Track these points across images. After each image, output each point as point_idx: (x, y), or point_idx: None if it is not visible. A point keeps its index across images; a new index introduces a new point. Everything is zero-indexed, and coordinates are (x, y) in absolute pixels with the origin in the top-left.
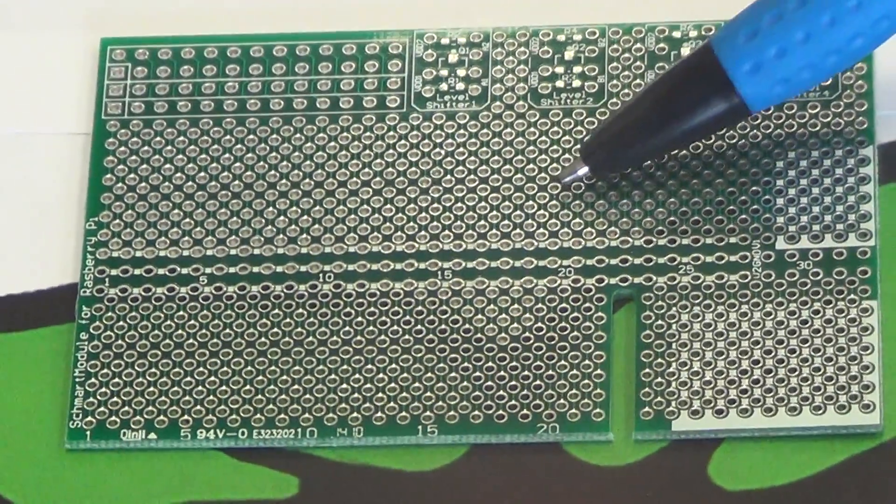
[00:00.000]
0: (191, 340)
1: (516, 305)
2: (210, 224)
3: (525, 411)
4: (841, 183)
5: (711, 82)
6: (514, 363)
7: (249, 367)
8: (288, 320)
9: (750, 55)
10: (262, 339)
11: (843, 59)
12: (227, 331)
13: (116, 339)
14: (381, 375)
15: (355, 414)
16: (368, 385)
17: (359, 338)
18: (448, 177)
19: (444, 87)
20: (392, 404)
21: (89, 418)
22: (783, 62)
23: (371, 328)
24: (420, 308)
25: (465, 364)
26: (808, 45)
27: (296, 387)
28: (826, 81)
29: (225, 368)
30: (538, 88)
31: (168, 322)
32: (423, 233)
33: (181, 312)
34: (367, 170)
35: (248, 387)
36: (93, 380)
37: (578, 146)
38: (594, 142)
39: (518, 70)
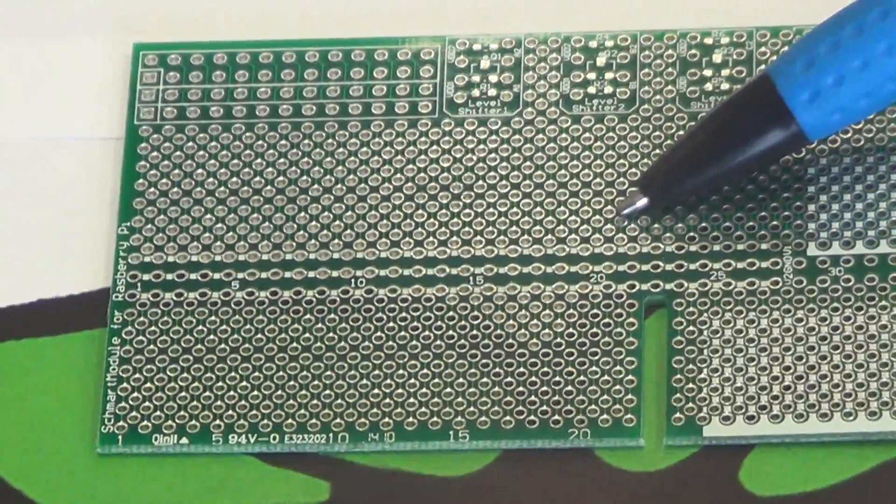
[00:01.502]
0: (222, 345)
1: (548, 311)
2: (242, 229)
3: (556, 417)
4: (872, 189)
5: (770, 112)
6: (545, 369)
7: (281, 372)
8: (320, 325)
9: (808, 84)
10: (294, 344)
11: None
12: (259, 336)
13: (148, 344)
14: (412, 380)
15: (387, 419)
16: (400, 390)
17: (390, 343)
18: (480, 182)
19: (476, 92)
20: (423, 409)
21: (121, 423)
22: (841, 90)
23: (403, 333)
24: (452, 313)
25: (497, 369)
26: (865, 72)
27: (327, 392)
28: (883, 109)
29: (256, 373)
30: (570, 94)
31: (200, 327)
32: (454, 238)
33: (213, 317)
34: (399, 175)
35: (279, 392)
36: (125, 385)
37: (638, 178)
38: (653, 174)
39: (550, 76)
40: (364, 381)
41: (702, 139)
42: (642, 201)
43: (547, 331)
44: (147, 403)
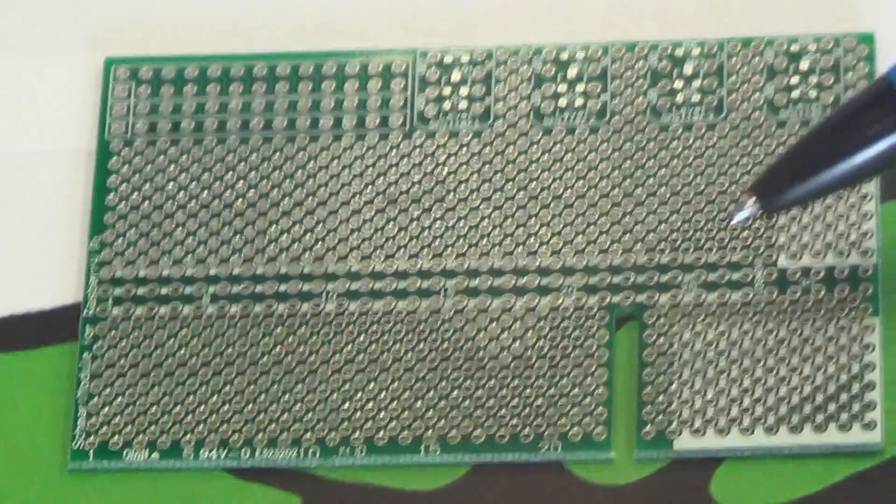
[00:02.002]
0: (194, 360)
1: (519, 324)
2: (213, 243)
3: (527, 430)
4: (843, 200)
5: (890, 115)
6: (516, 382)
7: (252, 387)
8: (291, 339)
9: None
10: (265, 359)
11: None
12: (230, 350)
13: (119, 359)
14: (383, 394)
15: (357, 433)
16: (370, 404)
17: (361, 356)
18: (451, 195)
19: (447, 105)
20: (394, 423)
21: (92, 438)
22: None
23: (374, 347)
24: (423, 326)
25: (468, 383)
26: None
27: (298, 406)
28: None
29: (228, 388)
30: (541, 106)
31: (171, 341)
32: (425, 251)
33: (184, 331)
34: (370, 188)
35: (250, 406)
36: (96, 400)
37: (749, 182)
38: (768, 178)
39: (521, 88)
40: (335, 395)
41: (819, 144)
42: (756, 207)
43: (517, 343)
44: (118, 419)
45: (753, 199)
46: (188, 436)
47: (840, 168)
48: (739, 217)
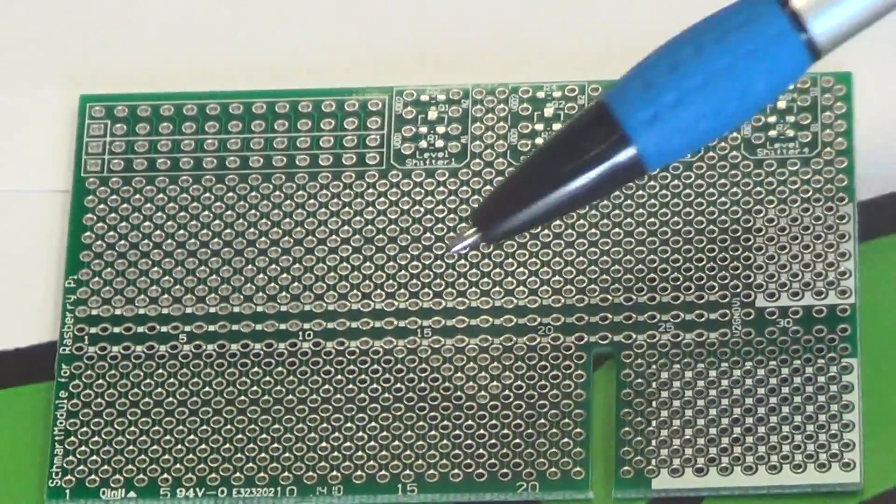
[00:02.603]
0: (170, 399)
1: (496, 363)
2: (189, 282)
3: (505, 469)
4: (821, 240)
5: (605, 138)
6: (493, 421)
7: (229, 426)
8: (268, 378)
9: (646, 105)
10: (242, 398)
11: (744, 107)
12: (207, 389)
13: (96, 398)
14: (360, 434)
15: (335, 472)
16: (348, 443)
17: (338, 396)
18: (428, 234)
19: (423, 144)
20: (372, 463)
21: (69, 477)
22: (682, 112)
23: (351, 386)
24: (400, 366)
25: (445, 422)
26: (707, 91)
27: (275, 445)
28: (726, 134)
29: (204, 427)
30: (518, 145)
31: (148, 380)
32: (402, 290)
33: (161, 371)
34: (346, 227)
35: (227, 445)
36: (72, 438)
37: (470, 212)
38: (486, 208)
39: (498, 127)
40: (312, 434)
41: (534, 171)
42: (474, 237)
43: (495, 383)
44: (94, 457)
45: (473, 229)
46: (165, 474)
47: (556, 195)
48: (458, 248)
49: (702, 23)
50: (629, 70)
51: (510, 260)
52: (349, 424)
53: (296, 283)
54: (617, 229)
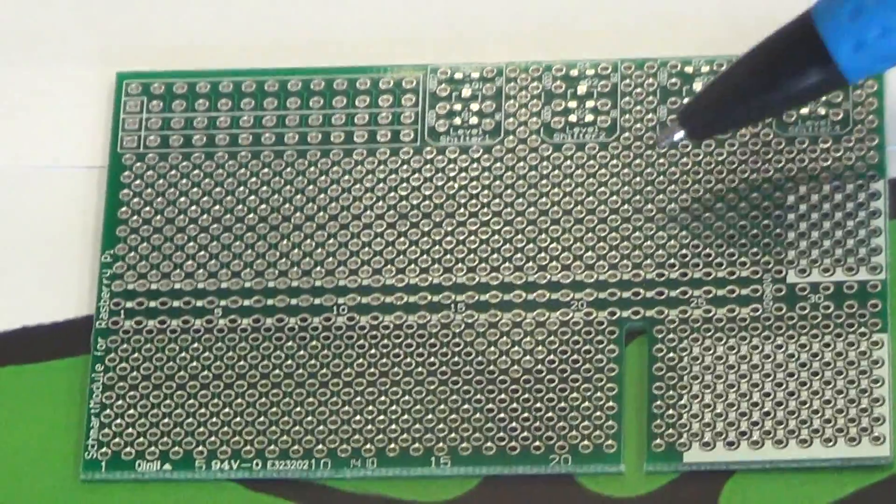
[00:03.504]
0: (205, 372)
1: (529, 338)
2: (225, 257)
3: (537, 443)
4: (852, 217)
5: (811, 54)
6: (526, 395)
7: (264, 399)
8: (302, 352)
9: (853, 34)
10: (277, 371)
11: None
12: (242, 363)
13: (131, 371)
14: (394, 407)
15: (369, 445)
16: (382, 417)
17: (372, 370)
18: (461, 210)
19: (457, 121)
20: (405, 436)
21: (104, 449)
22: (885, 41)
23: (384, 360)
24: (433, 340)
25: (478, 396)
26: None
27: (309, 418)
28: None
29: (239, 400)
30: (551, 123)
31: (183, 354)
32: (436, 266)
33: (196, 344)
34: (380, 203)
35: (262, 418)
36: (108, 411)
37: (675, 111)
38: (692, 107)
39: (531, 104)
40: (346, 408)
41: (740, 75)
42: (679, 134)
43: (528, 357)
44: (130, 430)
45: (679, 126)
46: (200, 447)
47: (760, 101)
48: (664, 142)
49: None
50: None
51: (543, 235)
52: (383, 398)
53: (330, 259)
54: (649, 205)
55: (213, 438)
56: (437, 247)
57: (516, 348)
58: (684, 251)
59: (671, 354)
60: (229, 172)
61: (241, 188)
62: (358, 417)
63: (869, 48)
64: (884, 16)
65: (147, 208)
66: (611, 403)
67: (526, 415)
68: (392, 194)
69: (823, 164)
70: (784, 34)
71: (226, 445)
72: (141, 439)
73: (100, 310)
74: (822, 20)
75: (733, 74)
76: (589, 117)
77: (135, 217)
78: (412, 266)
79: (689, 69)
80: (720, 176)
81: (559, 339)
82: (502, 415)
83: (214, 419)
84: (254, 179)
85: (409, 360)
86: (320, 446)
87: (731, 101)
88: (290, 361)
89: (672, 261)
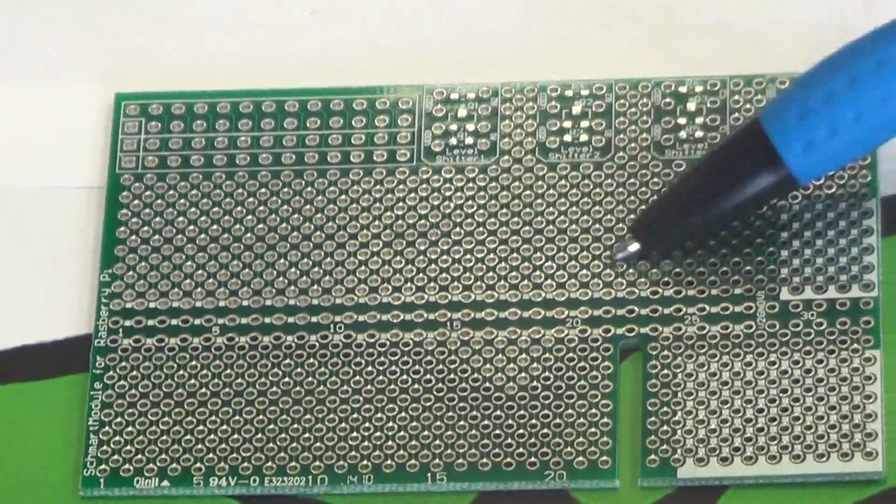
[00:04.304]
0: (203, 390)
1: (524, 355)
2: (222, 276)
3: (533, 459)
4: (844, 235)
5: (761, 159)
6: (522, 412)
7: (261, 416)
8: (299, 370)
9: (801, 135)
10: (274, 389)
11: (892, 134)
12: (240, 380)
13: (130, 389)
14: (390, 424)
15: (365, 462)
16: (378, 433)
17: (369, 387)
18: (457, 229)
19: (453, 140)
20: (402, 452)
21: (103, 466)
22: (834, 141)
23: (381, 378)
24: (429, 358)
25: (474, 413)
26: (858, 124)
27: (307, 435)
28: (871, 152)
29: (237, 417)
30: (546, 142)
31: (181, 372)
32: (432, 284)
33: (194, 362)
34: (377, 222)
35: (259, 435)
36: (107, 428)
37: (630, 223)
38: (645, 219)
39: (526, 124)
40: (343, 425)
41: (693, 184)
42: (635, 246)
43: (523, 374)
44: (129, 447)
45: (635, 240)
46: (198, 464)
47: (713, 209)
48: (620, 256)
49: (857, 48)
50: (784, 92)
51: (538, 254)
52: (379, 415)
53: (327, 277)
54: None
55: (210, 455)
56: (432, 265)
57: (512, 365)
58: (678, 269)
59: (665, 371)
60: (227, 192)
61: (239, 208)
62: (354, 434)
63: (818, 149)
64: (830, 116)
65: (145, 228)
66: (605, 419)
67: (521, 431)
68: (388, 213)
69: (815, 183)
70: (734, 140)
71: (223, 462)
72: (139, 456)
73: (98, 328)
74: (771, 124)
75: (685, 184)
76: (584, 137)
77: (133, 236)
78: (408, 284)
79: (682, 89)
80: None
81: (554, 356)
82: (498, 431)
83: (212, 436)
84: (251, 199)
85: (405, 377)
86: (317, 463)
87: (684, 211)
88: (287, 379)
89: (666, 278)
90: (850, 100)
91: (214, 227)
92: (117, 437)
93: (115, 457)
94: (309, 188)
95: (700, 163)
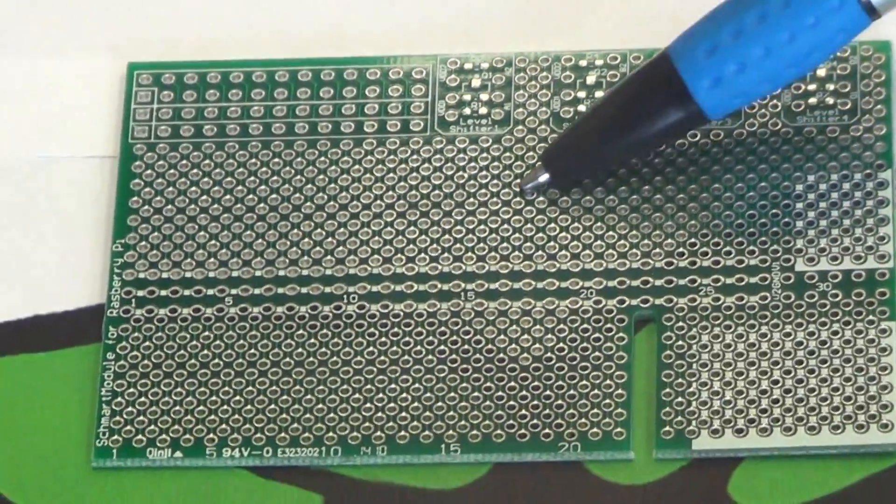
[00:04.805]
0: (216, 360)
1: (538, 326)
2: (235, 246)
3: (547, 430)
4: (860, 206)
5: (670, 93)
6: (536, 383)
7: (274, 387)
8: (312, 341)
9: (710, 71)
10: (287, 359)
11: (801, 70)
12: (253, 351)
13: (143, 359)
14: (404, 395)
15: (379, 433)
16: (392, 404)
17: (382, 358)
18: (471, 199)
19: (467, 110)
20: (415, 423)
21: (116, 437)
22: (742, 77)
23: (395, 348)
24: (443, 329)
25: (488, 384)
26: (767, 60)
27: (320, 406)
28: (779, 89)
29: (250, 388)
30: (560, 112)
31: (193, 342)
32: (446, 255)
33: (207, 333)
34: (391, 192)
35: (272, 406)
36: (119, 399)
37: (541, 153)
38: (556, 149)
39: (540, 94)
40: (356, 396)
41: (602, 116)
42: (545, 176)
43: (537, 345)
44: (141, 417)
45: (544, 170)
46: (211, 434)
47: (622, 141)
48: (528, 186)
49: None
50: (694, 26)
51: (552, 224)
52: (393, 386)
53: (341, 247)
54: (658, 195)
55: (223, 426)
56: (446, 235)
57: (526, 336)
58: (693, 240)
59: (680, 342)
60: (240, 162)
61: (252, 178)
62: (368, 405)
63: (726, 84)
64: (739, 52)
65: (158, 198)
66: (620, 391)
67: (535, 402)
68: (402, 184)
69: (831, 153)
70: (642, 74)
71: (236, 433)
72: (152, 427)
73: (111, 298)
74: (680, 58)
75: (594, 117)
76: None
77: (146, 207)
78: (422, 255)
79: None
80: (728, 166)
81: (568, 327)
82: (512, 402)
83: (225, 407)
84: (264, 169)
85: (418, 348)
86: (330, 434)
87: (594, 143)
88: (300, 350)
89: (681, 249)
90: (759, 36)
91: (227, 196)
92: (130, 408)
93: (128, 427)
94: (322, 158)
95: (611, 94)
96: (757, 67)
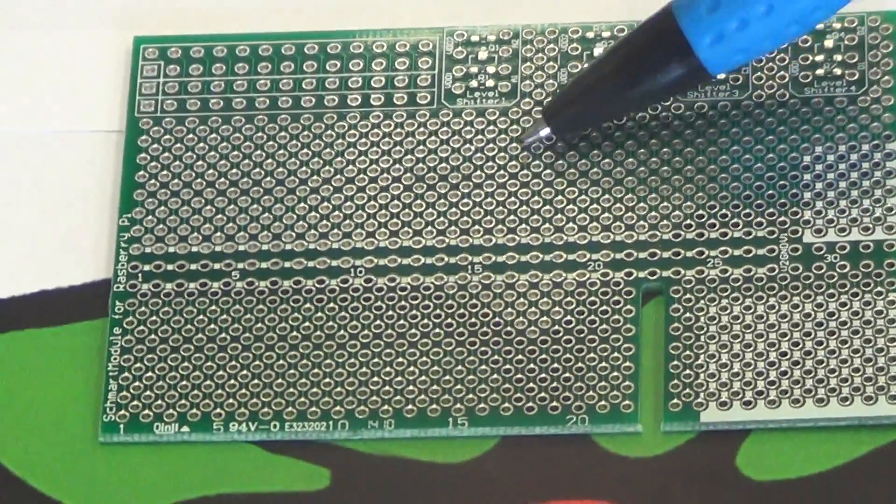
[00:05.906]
0: (223, 335)
1: (546, 299)
2: (242, 220)
3: (555, 403)
4: (867, 177)
5: (672, 48)
6: (543, 356)
7: (281, 361)
8: (320, 314)
9: (712, 27)
10: (294, 333)
11: (803, 28)
12: (259, 325)
13: (149, 334)
14: (411, 368)
15: (386, 406)
16: (399, 378)
17: (390, 331)
18: (478, 172)
19: (474, 83)
20: (423, 397)
21: (123, 412)
22: (745, 34)
23: (402, 322)
24: (450, 302)
25: (495, 357)
26: (770, 17)
27: (327, 380)
28: (783, 45)
29: (257, 362)
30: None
31: (200, 317)
32: (453, 228)
33: (213, 307)
34: (397, 166)
35: (279, 380)
36: (126, 374)
37: (543, 107)
38: (557, 103)
39: (547, 67)
40: (363, 370)
41: (604, 71)
42: (545, 131)
43: (545, 318)
44: (148, 392)
45: (544, 124)
46: (218, 409)
47: (623, 95)
48: (529, 140)
49: None
50: None
51: (559, 197)
52: (400, 359)
53: (347, 221)
54: (665, 166)
55: (230, 400)
56: (453, 208)
57: (533, 309)
58: (700, 212)
59: (688, 314)
60: (246, 136)
61: (258, 151)
62: (375, 379)
63: (728, 40)
64: (742, 8)
65: (164, 172)
66: (627, 364)
67: (543, 375)
68: (409, 157)
69: (839, 124)
70: (645, 29)
71: (243, 407)
72: (159, 402)
73: (117, 273)
74: (682, 14)
75: (596, 71)
76: None
77: (152, 181)
78: (429, 228)
79: None
80: (736, 137)
81: (576, 299)
82: (519, 375)
83: (232, 381)
84: (270, 143)
85: (426, 321)
86: (338, 408)
87: (595, 97)
88: (307, 323)
89: (688, 221)
90: None
91: (234, 170)
92: (137, 383)
93: (135, 402)
94: (329, 131)
95: (613, 49)
96: (759, 24)
